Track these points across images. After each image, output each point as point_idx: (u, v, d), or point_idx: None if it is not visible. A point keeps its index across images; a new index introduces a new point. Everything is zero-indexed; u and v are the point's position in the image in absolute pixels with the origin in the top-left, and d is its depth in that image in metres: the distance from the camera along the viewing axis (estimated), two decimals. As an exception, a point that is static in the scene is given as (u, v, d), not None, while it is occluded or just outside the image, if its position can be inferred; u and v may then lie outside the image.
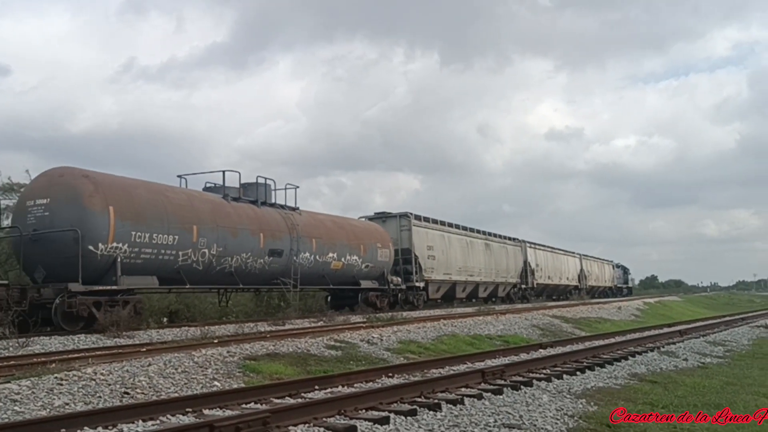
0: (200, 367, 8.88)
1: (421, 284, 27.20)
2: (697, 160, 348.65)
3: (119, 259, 14.40)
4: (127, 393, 7.35)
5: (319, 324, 17.05)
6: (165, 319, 18.03)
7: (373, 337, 13.21)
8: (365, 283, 23.65)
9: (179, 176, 18.76)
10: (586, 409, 7.42)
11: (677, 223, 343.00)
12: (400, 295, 25.60)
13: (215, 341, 11.56)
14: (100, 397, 7.08)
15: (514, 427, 6.31)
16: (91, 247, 13.90)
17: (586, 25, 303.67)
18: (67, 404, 6.70)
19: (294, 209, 21.16)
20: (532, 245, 42.77)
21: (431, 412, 6.66)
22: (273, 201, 20.51)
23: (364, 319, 17.96)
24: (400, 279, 25.85)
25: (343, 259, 22.31)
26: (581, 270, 53.43)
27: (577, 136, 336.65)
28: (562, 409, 7.28)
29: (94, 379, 7.56)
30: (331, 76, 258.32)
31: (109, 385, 7.48)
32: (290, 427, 5.71)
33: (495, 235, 37.40)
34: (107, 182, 15.03)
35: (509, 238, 39.64)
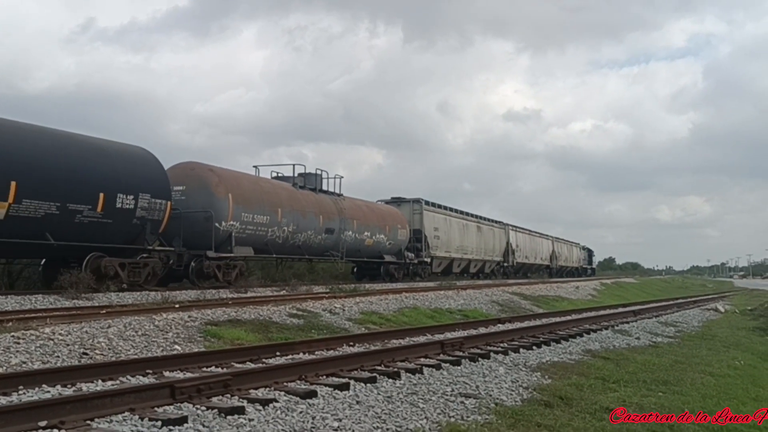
0: (161, 331, 8.85)
1: (428, 260, 31.85)
2: (652, 147, 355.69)
3: (233, 234, 18.72)
4: (86, 354, 7.31)
5: (281, 293, 17.08)
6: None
7: (335, 307, 13.29)
8: (388, 258, 28.34)
9: (255, 167, 23.23)
10: (541, 382, 7.63)
11: (632, 208, 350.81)
12: (411, 267, 30.22)
13: (176, 306, 11.49)
14: (58, 356, 7.02)
15: (470, 397, 6.46)
16: (216, 224, 18.05)
17: (545, 9, 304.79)
18: (24, 363, 6.64)
19: (339, 195, 25.50)
20: (514, 228, 46.47)
21: (390, 380, 6.77)
22: (325, 188, 24.93)
23: (327, 290, 18.07)
24: (413, 255, 30.33)
25: (373, 237, 26.77)
26: (553, 251, 57.27)
27: (534, 118, 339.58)
28: (518, 381, 7.47)
29: (52, 339, 7.49)
30: (292, 46, 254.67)
31: (68, 345, 7.41)
32: (251, 391, 5.75)
33: (485, 219, 41.45)
34: (226, 174, 19.44)
35: (495, 222, 43.46)
